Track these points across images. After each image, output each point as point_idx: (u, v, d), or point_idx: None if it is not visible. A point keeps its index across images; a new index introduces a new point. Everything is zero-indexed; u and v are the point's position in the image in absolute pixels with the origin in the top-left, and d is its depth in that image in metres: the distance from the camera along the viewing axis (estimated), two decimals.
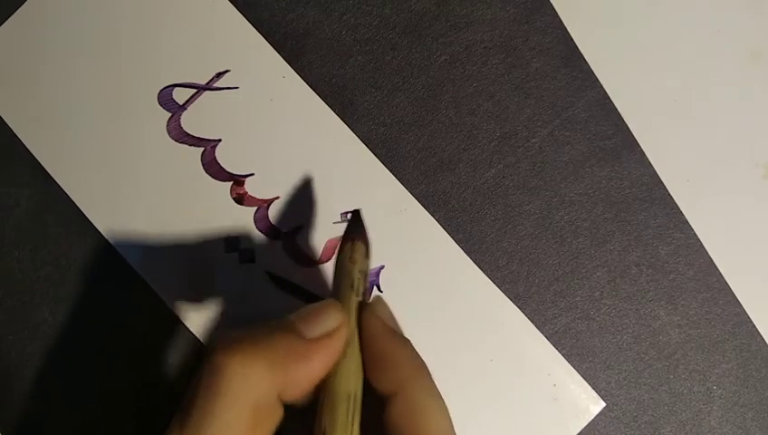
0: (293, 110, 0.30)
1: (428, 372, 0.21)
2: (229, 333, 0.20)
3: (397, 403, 0.20)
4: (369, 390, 0.21)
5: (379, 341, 0.21)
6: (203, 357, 0.20)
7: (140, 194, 0.30)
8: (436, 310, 0.29)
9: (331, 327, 0.21)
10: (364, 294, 0.23)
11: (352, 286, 0.22)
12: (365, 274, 0.23)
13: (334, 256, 0.29)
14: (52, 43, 0.30)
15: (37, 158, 0.30)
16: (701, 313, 0.29)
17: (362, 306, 0.22)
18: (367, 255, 0.23)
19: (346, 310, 0.22)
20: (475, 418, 0.29)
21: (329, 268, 0.29)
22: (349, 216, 0.26)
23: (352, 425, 0.20)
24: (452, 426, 0.20)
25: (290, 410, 0.21)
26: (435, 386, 0.21)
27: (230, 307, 0.29)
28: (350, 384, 0.21)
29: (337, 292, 0.23)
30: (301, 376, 0.20)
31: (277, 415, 0.20)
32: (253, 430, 0.19)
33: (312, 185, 0.30)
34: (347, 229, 0.24)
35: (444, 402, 0.21)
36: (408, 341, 0.22)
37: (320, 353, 0.20)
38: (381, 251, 0.29)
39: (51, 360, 0.29)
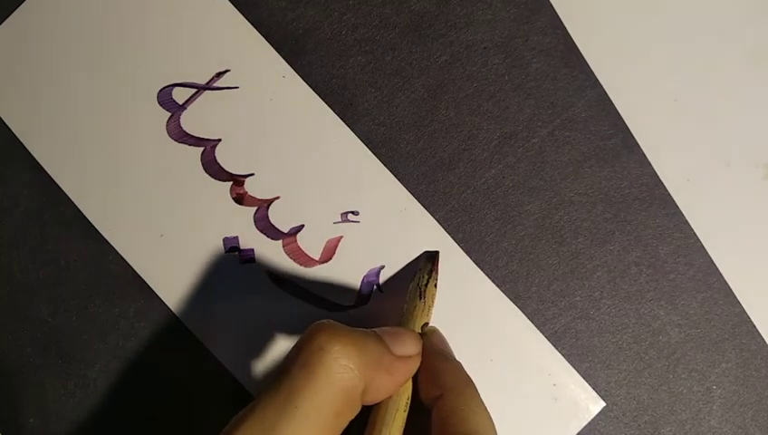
0: (293, 110, 0.30)
1: (474, 386, 0.23)
2: (330, 321, 0.21)
3: (440, 406, 0.22)
4: (418, 406, 0.23)
5: (431, 359, 0.24)
6: (302, 336, 0.21)
7: (140, 194, 0.30)
8: (436, 310, 0.29)
9: (414, 352, 0.23)
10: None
11: (423, 309, 0.26)
12: (433, 302, 0.27)
13: (335, 256, 0.29)
14: (52, 43, 0.30)
15: (37, 158, 0.30)
16: (701, 312, 0.29)
17: (422, 335, 0.25)
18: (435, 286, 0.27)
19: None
20: None
21: (329, 268, 0.29)
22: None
23: (400, 430, 0.22)
24: (494, 430, 0.22)
25: None
26: (480, 399, 0.23)
27: (230, 307, 0.29)
28: (403, 394, 0.23)
29: (412, 313, 0.26)
30: (383, 384, 0.22)
31: (355, 411, 0.21)
32: (336, 419, 0.20)
33: (311, 185, 0.30)
34: (427, 260, 0.28)
35: (487, 410, 0.22)
36: (459, 363, 0.24)
37: (401, 370, 0.22)
38: (381, 251, 0.29)
39: (51, 360, 0.29)
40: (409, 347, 0.23)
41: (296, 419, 0.19)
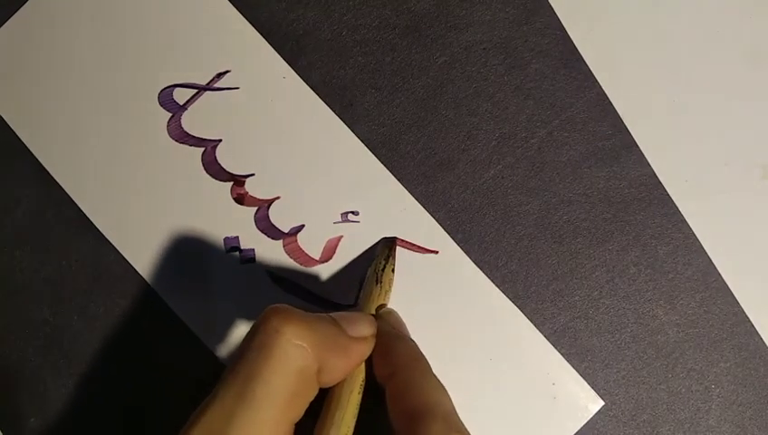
0: (293, 110, 0.30)
1: (426, 362, 0.23)
2: (283, 305, 0.22)
3: (393, 383, 0.22)
4: (374, 387, 0.23)
5: (384, 339, 0.24)
6: (257, 319, 0.21)
7: (141, 194, 0.30)
8: (436, 309, 0.29)
9: (368, 333, 0.24)
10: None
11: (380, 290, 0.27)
12: (390, 287, 0.28)
13: (335, 256, 0.29)
14: (53, 44, 0.30)
15: (38, 158, 0.30)
16: (699, 312, 0.29)
17: (377, 317, 0.25)
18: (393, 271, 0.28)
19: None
20: (475, 417, 0.29)
21: (329, 268, 0.29)
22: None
23: (355, 412, 0.23)
24: (449, 400, 0.22)
25: None
26: (431, 372, 0.23)
27: (231, 307, 0.29)
28: (357, 376, 0.23)
29: (368, 297, 0.27)
30: (338, 365, 0.22)
31: (313, 393, 0.22)
32: (293, 399, 0.20)
33: (312, 185, 0.30)
34: (384, 246, 0.29)
35: (440, 383, 0.22)
36: (412, 341, 0.24)
37: (357, 351, 0.23)
38: None
39: (51, 360, 0.29)
40: (363, 329, 0.23)
41: (255, 402, 0.20)
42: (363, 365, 0.24)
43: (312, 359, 0.21)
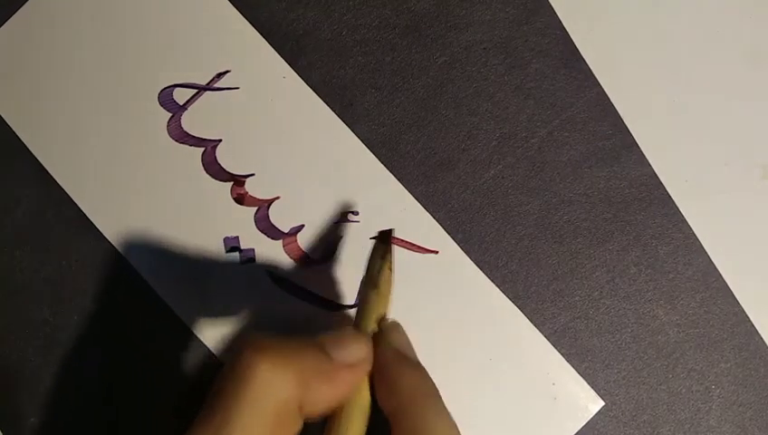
0: (293, 110, 0.30)
1: (437, 396, 0.21)
2: (258, 335, 0.20)
3: (399, 420, 0.20)
4: (378, 412, 0.21)
5: (387, 362, 0.22)
6: (231, 353, 0.20)
7: (141, 194, 0.30)
8: (436, 310, 0.29)
9: (359, 358, 0.21)
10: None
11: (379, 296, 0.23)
12: (390, 289, 0.24)
13: (335, 256, 0.29)
14: (53, 44, 0.30)
15: (38, 158, 0.30)
16: (700, 312, 0.29)
17: (378, 333, 0.23)
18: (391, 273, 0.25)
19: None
20: (475, 417, 0.29)
21: (329, 268, 0.29)
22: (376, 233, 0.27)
23: None
24: None
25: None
26: (444, 409, 0.21)
27: (230, 307, 0.29)
28: (361, 405, 0.21)
29: (365, 306, 0.23)
30: (323, 395, 0.20)
31: (296, 427, 0.20)
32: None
33: (312, 185, 0.30)
34: (379, 242, 0.25)
35: (454, 423, 0.21)
36: (420, 366, 0.22)
37: (345, 378, 0.21)
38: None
39: (51, 360, 0.29)
40: (353, 353, 0.21)
41: None
42: (366, 392, 0.21)
43: (291, 392, 0.19)
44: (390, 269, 0.24)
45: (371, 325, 0.23)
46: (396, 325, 0.24)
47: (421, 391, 0.21)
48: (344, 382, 0.21)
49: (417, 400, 0.21)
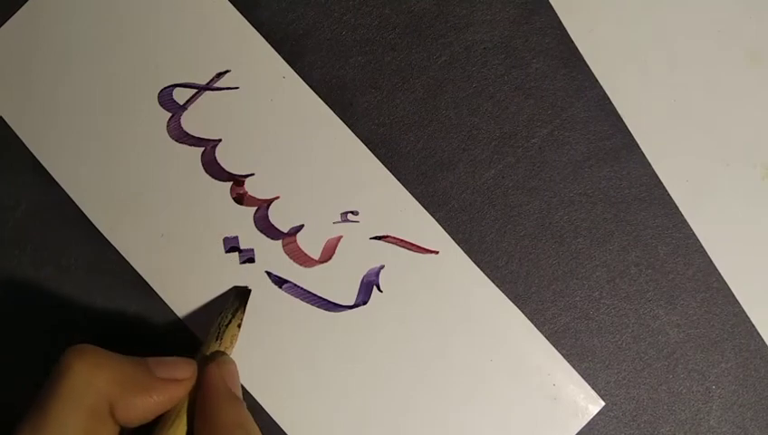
0: (293, 110, 0.30)
1: (253, 432, 0.23)
2: (84, 344, 0.22)
3: None
4: None
5: (208, 392, 0.24)
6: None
7: (140, 194, 0.30)
8: (436, 310, 0.29)
9: (180, 376, 0.23)
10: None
11: (219, 341, 0.26)
12: (233, 343, 0.27)
13: (335, 256, 0.29)
14: (53, 44, 0.30)
15: (38, 158, 0.30)
16: (700, 312, 0.29)
17: (210, 364, 0.24)
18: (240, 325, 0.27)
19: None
20: (475, 417, 0.29)
21: (328, 268, 0.29)
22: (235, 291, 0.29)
23: None
24: None
25: None
26: None
27: None
28: (176, 428, 0.23)
29: (206, 345, 0.26)
30: (137, 403, 0.22)
31: (111, 428, 0.22)
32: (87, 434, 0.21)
33: (311, 185, 0.30)
34: (236, 298, 0.28)
35: None
36: (240, 402, 0.24)
37: (160, 391, 0.23)
38: (381, 251, 0.29)
39: (51, 360, 0.29)
40: (175, 371, 0.23)
41: None
42: (184, 421, 0.23)
43: (103, 390, 0.21)
44: (239, 326, 0.27)
45: (205, 355, 0.25)
46: (228, 361, 0.25)
47: (236, 425, 0.23)
48: (159, 393, 0.23)
49: (231, 433, 0.22)
